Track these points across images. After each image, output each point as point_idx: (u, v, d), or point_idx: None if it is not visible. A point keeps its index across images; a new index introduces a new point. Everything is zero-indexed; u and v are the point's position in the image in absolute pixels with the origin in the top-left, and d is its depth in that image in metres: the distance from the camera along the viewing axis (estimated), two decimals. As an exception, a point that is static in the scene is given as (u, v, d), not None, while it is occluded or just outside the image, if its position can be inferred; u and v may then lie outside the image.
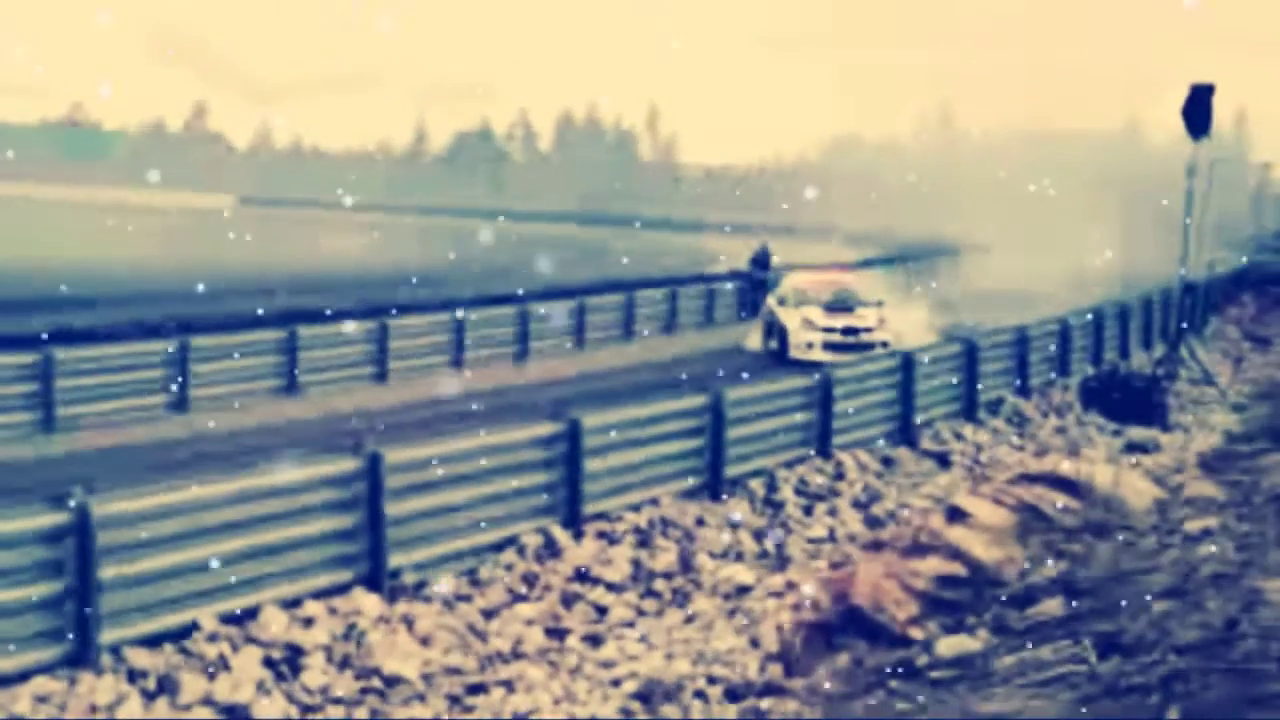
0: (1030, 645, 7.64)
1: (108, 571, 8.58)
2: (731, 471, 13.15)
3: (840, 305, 23.01)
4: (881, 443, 15.23)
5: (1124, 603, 7.86)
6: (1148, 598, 7.81)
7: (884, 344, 21.19)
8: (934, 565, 9.40)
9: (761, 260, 31.00)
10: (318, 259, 39.70)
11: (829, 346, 21.79)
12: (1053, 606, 8.21)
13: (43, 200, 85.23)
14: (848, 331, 22.19)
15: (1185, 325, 22.75)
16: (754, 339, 24.72)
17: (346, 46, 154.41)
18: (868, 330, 22.23)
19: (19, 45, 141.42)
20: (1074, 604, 8.10)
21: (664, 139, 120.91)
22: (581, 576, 10.73)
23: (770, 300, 24.59)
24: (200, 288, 27.47)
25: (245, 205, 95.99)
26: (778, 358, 22.34)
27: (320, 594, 9.62)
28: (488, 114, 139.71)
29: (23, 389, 16.25)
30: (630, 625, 9.96)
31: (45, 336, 17.85)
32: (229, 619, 9.05)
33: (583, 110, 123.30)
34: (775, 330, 23.36)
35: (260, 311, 22.03)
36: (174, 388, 17.76)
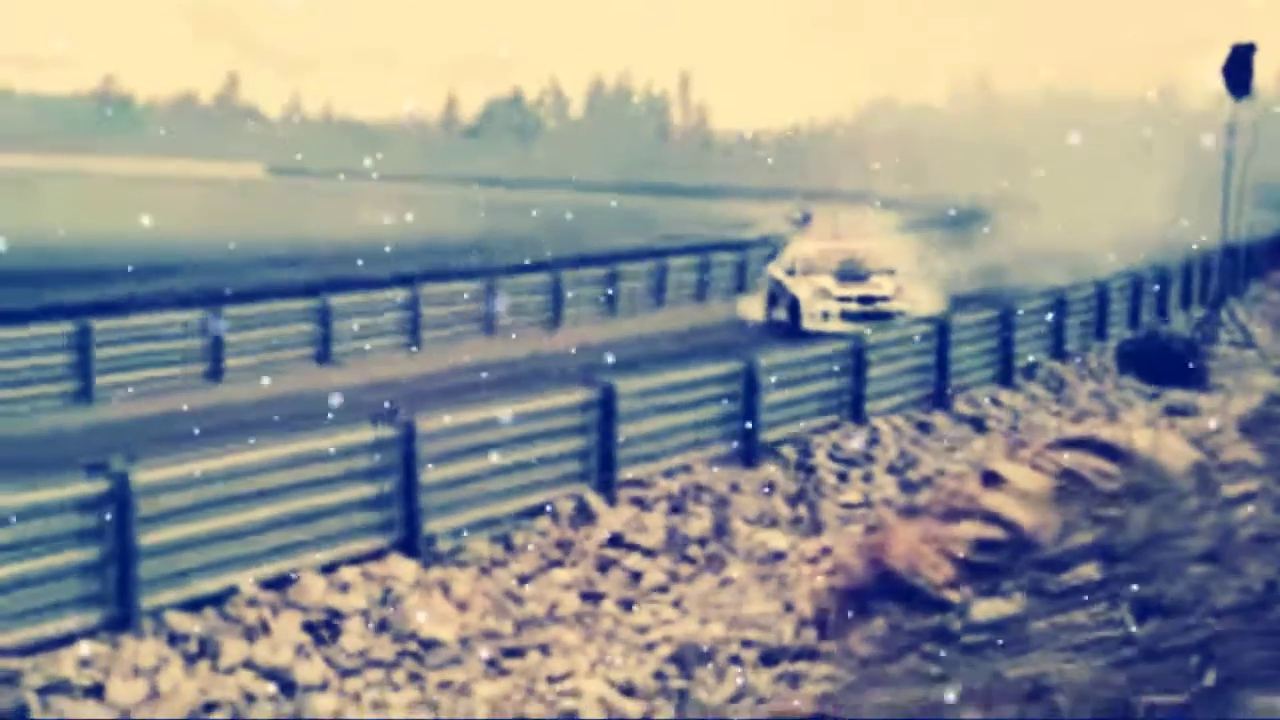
0: (1067, 609, 7.60)
1: (148, 538, 8.69)
2: (766, 437, 13.13)
3: (853, 274, 21.86)
4: (916, 408, 15.17)
5: (1162, 567, 7.79)
6: (1187, 561, 7.74)
7: (901, 313, 20.31)
8: (970, 530, 9.34)
9: (804, 226, 30.50)
10: (351, 228, 39.75)
11: (846, 316, 20.64)
12: (1090, 570, 8.15)
13: (76, 171, 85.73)
14: (865, 300, 21.13)
15: (1225, 288, 22.45)
16: (754, 309, 23.58)
17: (377, 16, 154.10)
18: (884, 299, 21.15)
19: (52, 17, 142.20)
20: (1111, 568, 8.04)
21: (696, 105, 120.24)
22: (615, 542, 10.76)
23: (773, 269, 23.31)
24: (234, 257, 27.66)
25: (275, 175, 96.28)
26: (787, 329, 21.26)
27: (357, 560, 9.71)
28: (519, 82, 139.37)
29: (61, 359, 16.44)
30: (664, 590, 9.99)
31: (82, 307, 18.02)
32: (268, 584, 9.16)
33: (614, 78, 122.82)
34: (784, 300, 22.27)
35: (293, 280, 22.14)
36: (209, 357, 17.91)
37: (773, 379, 13.32)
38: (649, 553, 10.64)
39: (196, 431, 11.56)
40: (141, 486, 8.70)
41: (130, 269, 24.51)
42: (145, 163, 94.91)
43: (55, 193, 63.08)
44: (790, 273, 22.56)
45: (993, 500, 9.73)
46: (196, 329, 17.88)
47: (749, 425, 12.97)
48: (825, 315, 21.05)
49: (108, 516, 8.56)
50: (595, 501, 11.32)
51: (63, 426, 15.09)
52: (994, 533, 9.23)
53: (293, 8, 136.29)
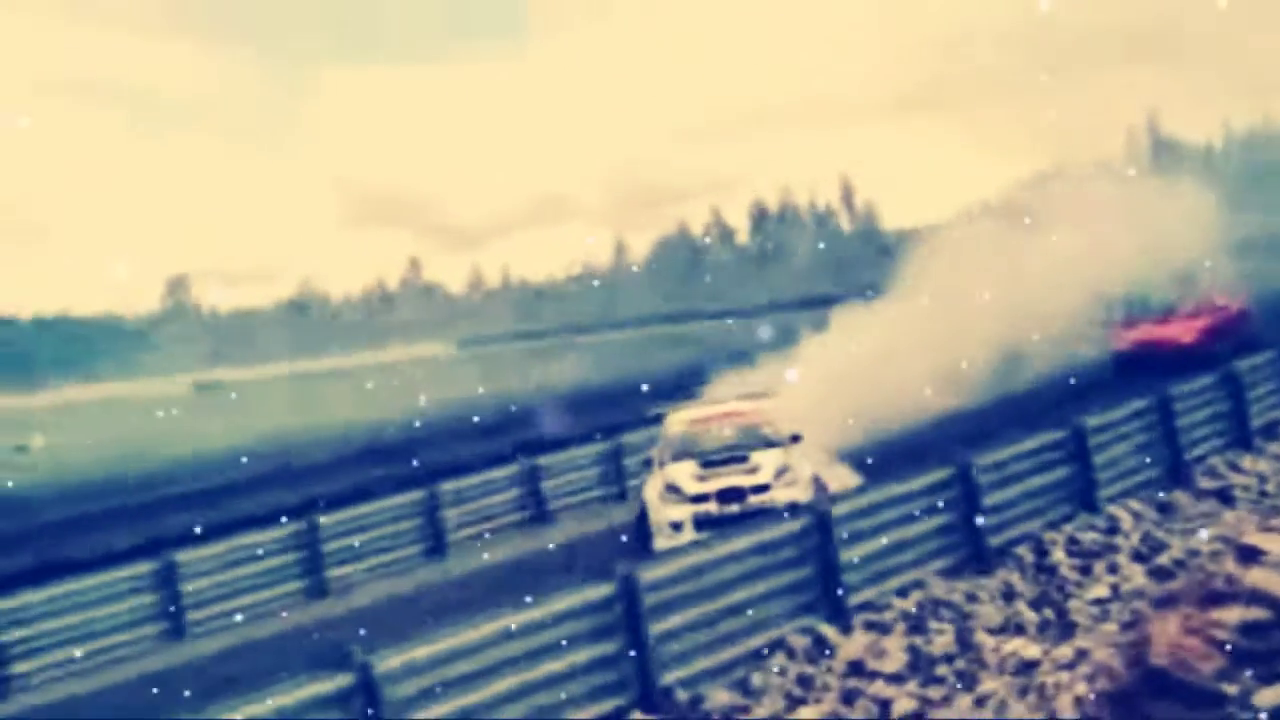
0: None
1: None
2: (995, 541, 12.62)
3: (727, 456, 14.98)
4: (1152, 488, 14.37)
5: None
6: None
7: (793, 505, 13.04)
8: (1235, 613, 8.75)
9: None
10: (537, 388, 40.64)
11: (702, 524, 14.16)
12: (1382, 643, 7.47)
13: (276, 377, 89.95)
14: (727, 496, 14.38)
15: None
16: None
17: (540, 179, 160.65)
18: (759, 490, 14.37)
19: (241, 232, 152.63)
20: None
21: (861, 209, 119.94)
22: (857, 670, 10.40)
23: (656, 453, 15.85)
24: (427, 433, 28.27)
25: (464, 348, 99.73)
26: (642, 544, 14.64)
27: (599, 721, 9.64)
28: (683, 217, 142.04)
29: (290, 558, 17.08)
30: (918, 716, 9.55)
31: (308, 504, 18.71)
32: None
33: (775, 197, 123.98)
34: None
35: (491, 449, 22.45)
36: (431, 534, 18.35)
37: (991, 478, 12.86)
38: (894, 678, 10.23)
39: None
40: (384, 674, 8.86)
41: (337, 461, 25.48)
42: (340, 359, 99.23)
43: (263, 398, 66.55)
44: (648, 463, 15.77)
45: (1255, 577, 9.12)
46: (417, 509, 18.41)
47: (974, 531, 12.50)
48: (677, 526, 14.38)
49: (356, 708, 8.72)
50: (829, 631, 11.01)
51: (299, 622, 15.65)
52: (1261, 614, 8.63)
53: (461, 184, 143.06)
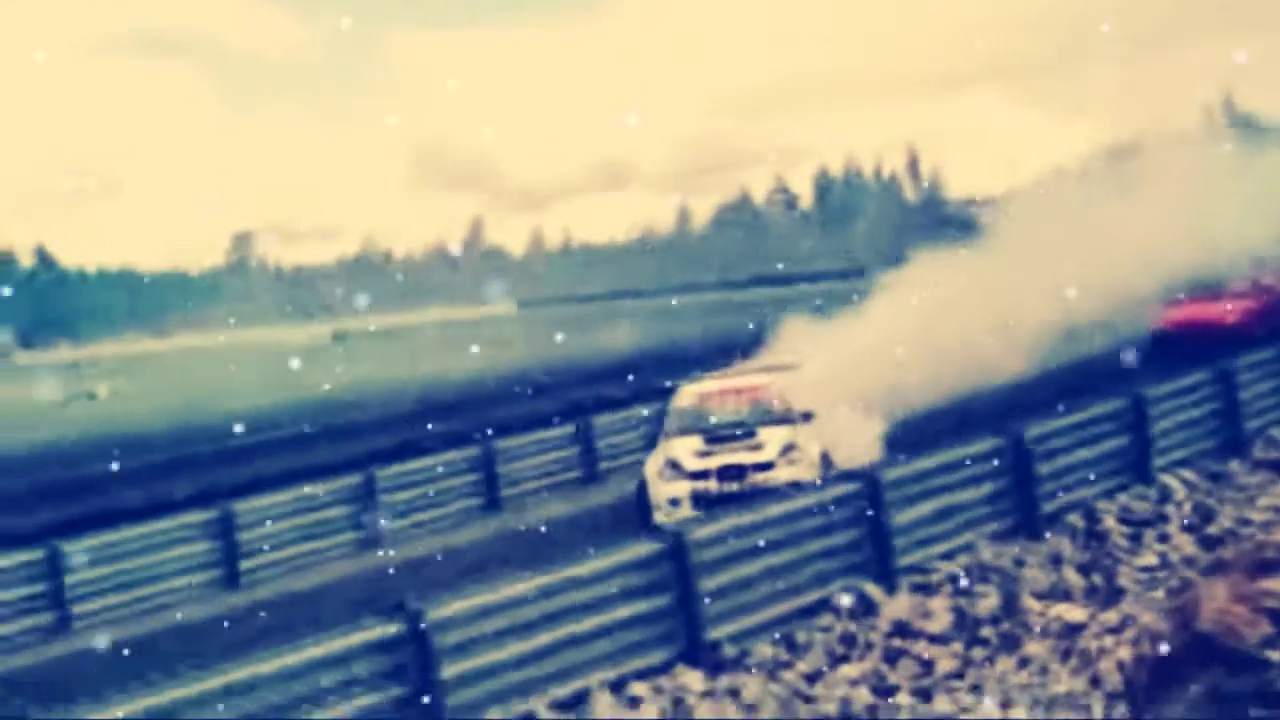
0: None
1: (446, 671, 9.01)
2: (1047, 508, 12.61)
3: (732, 432, 14.55)
4: (1207, 459, 14.24)
5: None
6: None
7: (797, 484, 12.85)
8: (1286, 582, 8.67)
9: None
10: (595, 349, 40.67)
11: (700, 501, 13.89)
12: None
13: (336, 333, 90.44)
14: (727, 474, 14.06)
15: None
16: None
17: (604, 143, 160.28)
18: (762, 468, 14.01)
19: (309, 189, 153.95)
20: None
21: (927, 178, 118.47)
22: (901, 631, 10.48)
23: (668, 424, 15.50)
24: (494, 391, 28.55)
25: (524, 308, 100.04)
26: (643, 518, 14.31)
27: (644, 673, 9.79)
28: (746, 183, 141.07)
29: (343, 511, 17.34)
30: (959, 676, 9.63)
31: (368, 456, 19.03)
32: (560, 704, 9.34)
33: (839, 164, 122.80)
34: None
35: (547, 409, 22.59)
36: (485, 490, 18.61)
37: (1046, 447, 12.82)
38: (938, 639, 10.30)
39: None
40: (434, 623, 9.07)
41: (395, 417, 25.68)
42: (402, 316, 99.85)
43: (324, 353, 67.18)
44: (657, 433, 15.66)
45: (1307, 547, 9.03)
46: (473, 464, 18.66)
47: (1027, 497, 12.49)
48: (675, 503, 14.06)
49: (407, 655, 8.94)
50: (874, 592, 11.09)
51: (351, 572, 15.96)
52: (1313, 583, 8.54)
53: (526, 148, 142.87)
